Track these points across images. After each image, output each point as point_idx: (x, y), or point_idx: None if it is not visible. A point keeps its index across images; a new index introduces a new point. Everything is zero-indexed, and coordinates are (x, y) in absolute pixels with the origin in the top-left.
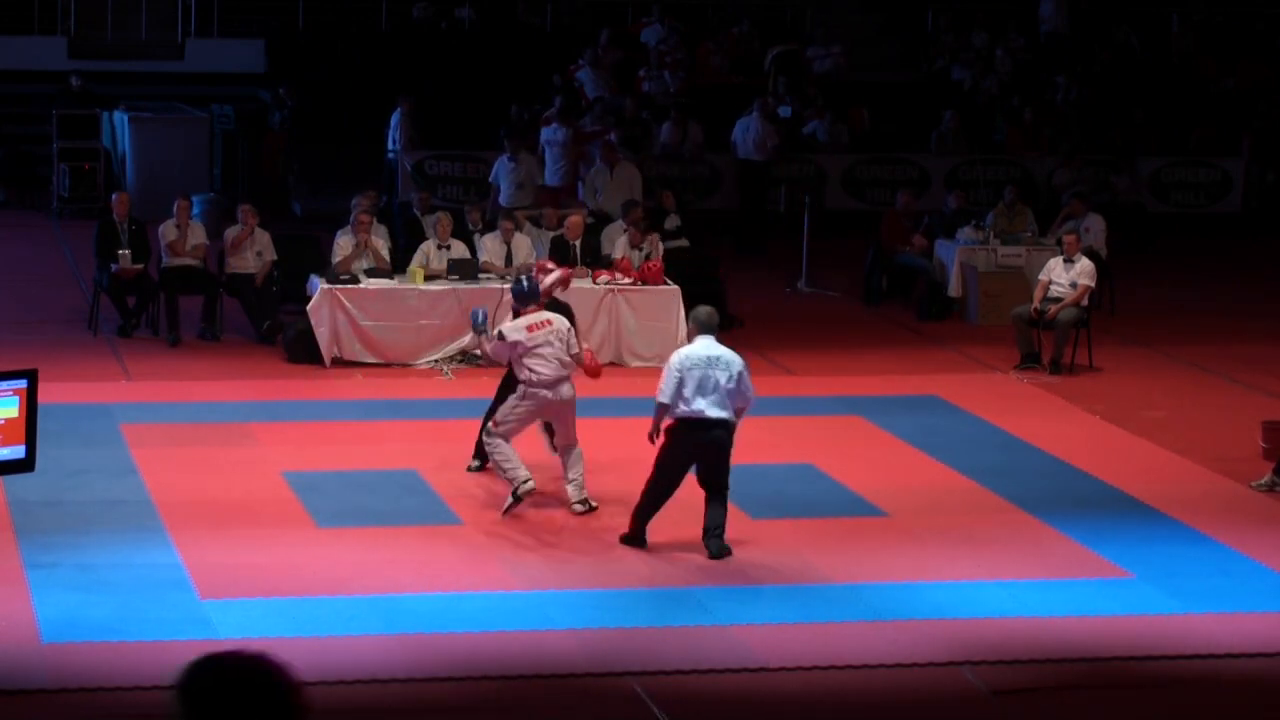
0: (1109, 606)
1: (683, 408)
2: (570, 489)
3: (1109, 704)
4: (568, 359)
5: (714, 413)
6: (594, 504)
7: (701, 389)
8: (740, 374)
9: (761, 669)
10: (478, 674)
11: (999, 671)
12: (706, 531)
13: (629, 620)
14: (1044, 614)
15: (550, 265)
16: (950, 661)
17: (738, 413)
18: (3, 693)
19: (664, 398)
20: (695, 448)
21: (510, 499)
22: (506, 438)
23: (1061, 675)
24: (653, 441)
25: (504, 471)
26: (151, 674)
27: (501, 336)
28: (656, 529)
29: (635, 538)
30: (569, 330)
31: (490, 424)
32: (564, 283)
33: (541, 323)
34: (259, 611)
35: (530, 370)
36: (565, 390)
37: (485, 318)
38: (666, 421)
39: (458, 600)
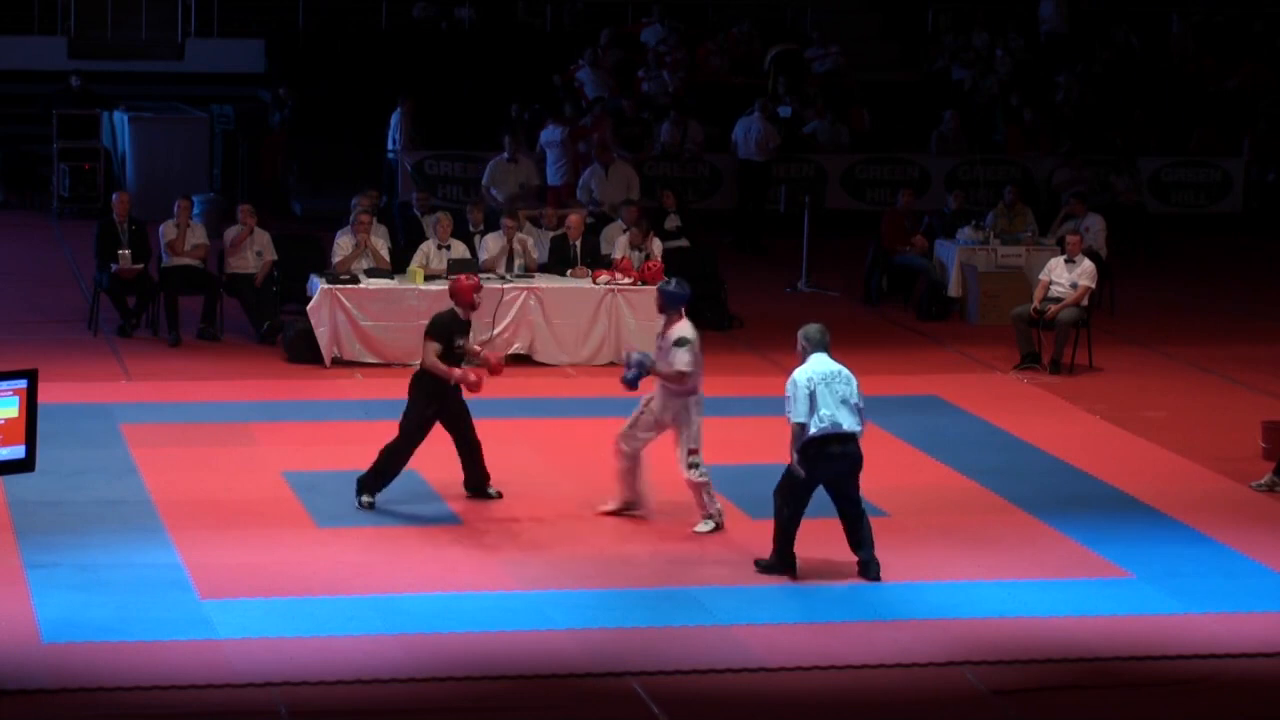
0: (1109, 606)
1: (819, 425)
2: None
3: (1109, 704)
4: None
5: (851, 427)
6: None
7: (841, 403)
8: (856, 383)
9: (761, 669)
10: (478, 674)
11: (999, 671)
12: (864, 552)
13: (629, 620)
14: (1044, 614)
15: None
16: (950, 661)
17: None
18: (3, 693)
19: (800, 417)
20: (840, 463)
21: (711, 525)
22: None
23: (1061, 675)
24: (795, 466)
25: (710, 500)
26: (151, 674)
27: (684, 341)
28: (656, 528)
29: (785, 562)
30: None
31: (692, 456)
32: None
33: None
34: (259, 611)
35: (698, 378)
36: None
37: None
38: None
39: (458, 600)
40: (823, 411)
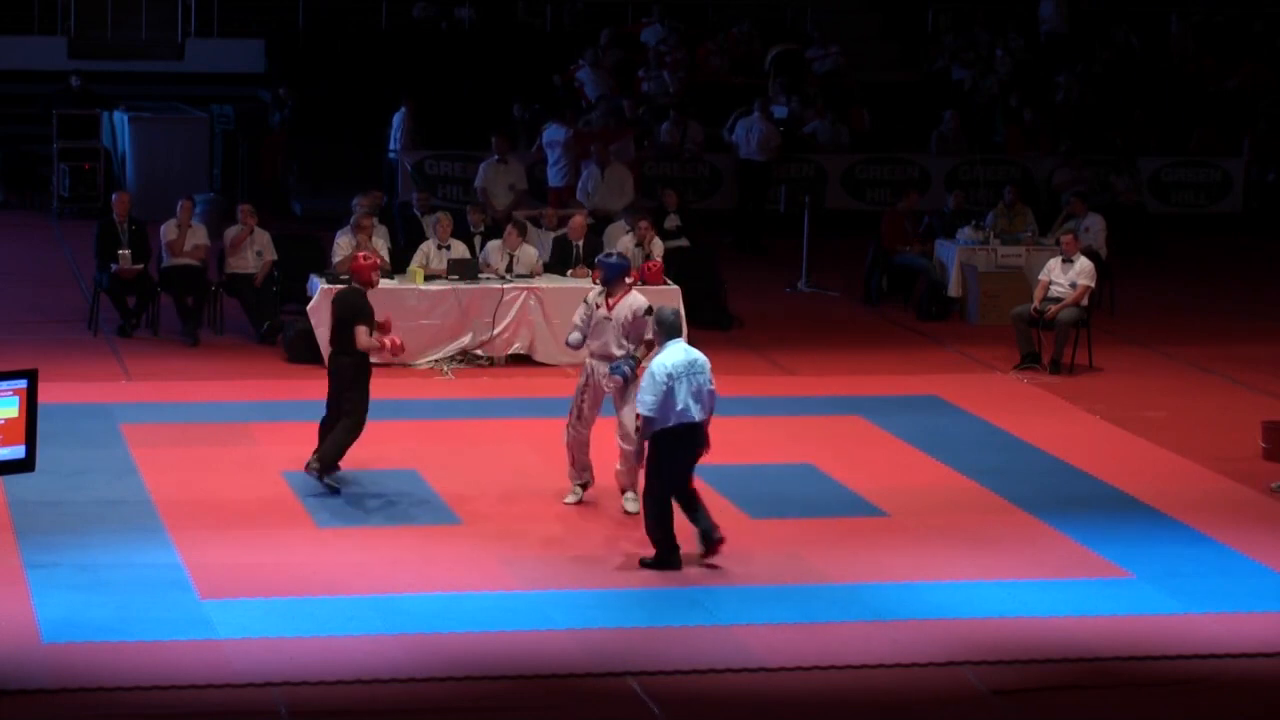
0: (1109, 606)
1: (674, 417)
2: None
3: (1109, 704)
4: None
5: (701, 417)
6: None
7: (693, 395)
8: (709, 374)
9: (761, 669)
10: (478, 674)
11: (999, 671)
12: (708, 535)
13: (629, 620)
14: (1044, 614)
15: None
16: (950, 661)
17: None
18: (3, 693)
19: (649, 410)
20: (689, 453)
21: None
22: None
23: (1061, 675)
24: (641, 449)
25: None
26: (151, 674)
27: (652, 310)
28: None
29: (668, 557)
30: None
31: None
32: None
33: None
34: (259, 611)
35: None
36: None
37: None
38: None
39: (457, 600)
40: (678, 406)
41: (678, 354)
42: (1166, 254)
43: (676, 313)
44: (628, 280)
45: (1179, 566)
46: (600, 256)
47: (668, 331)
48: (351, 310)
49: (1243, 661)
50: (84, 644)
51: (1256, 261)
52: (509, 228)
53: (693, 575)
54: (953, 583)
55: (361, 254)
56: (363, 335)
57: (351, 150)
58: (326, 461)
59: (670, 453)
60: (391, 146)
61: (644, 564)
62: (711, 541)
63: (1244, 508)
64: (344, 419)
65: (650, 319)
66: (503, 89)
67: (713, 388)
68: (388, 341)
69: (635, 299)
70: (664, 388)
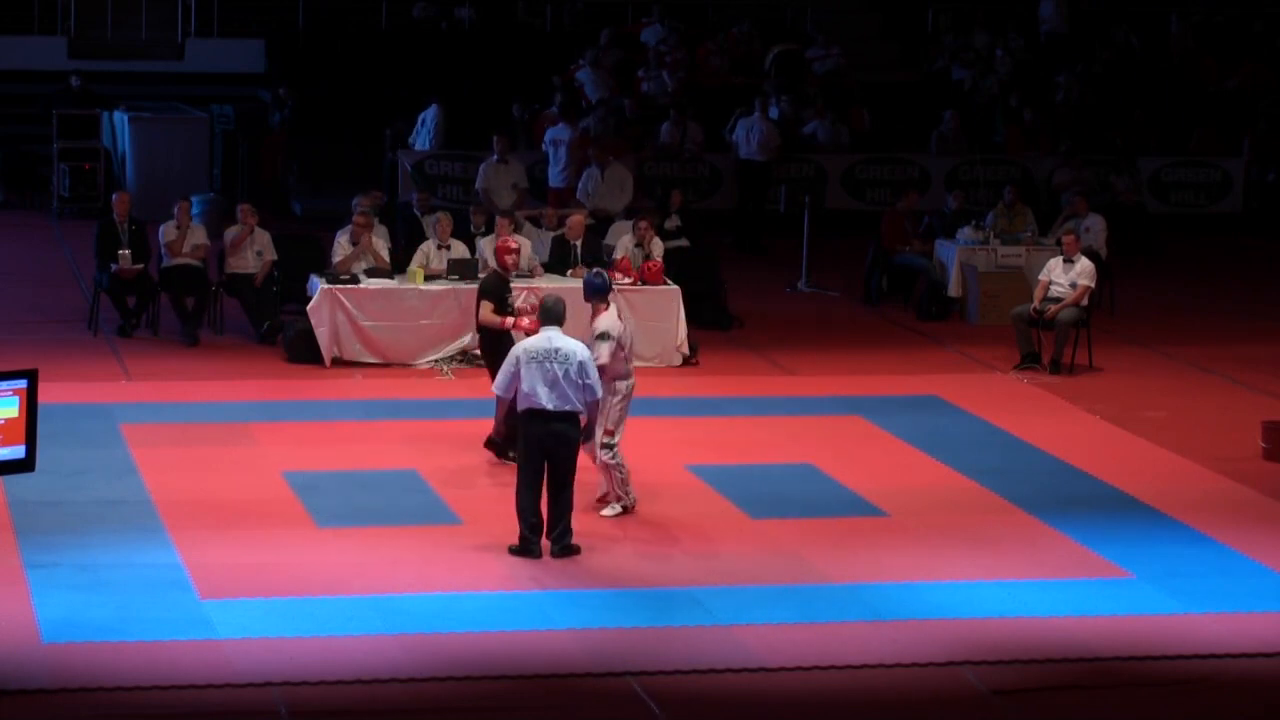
0: (1109, 606)
1: (526, 401)
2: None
3: (1109, 704)
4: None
5: (555, 405)
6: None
7: (545, 382)
8: (583, 364)
9: (761, 669)
10: (478, 674)
11: (999, 671)
12: (549, 530)
13: (629, 620)
14: (1044, 614)
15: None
16: (950, 661)
17: (587, 406)
18: (3, 693)
19: (498, 389)
20: (541, 440)
21: (618, 510)
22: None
23: (1061, 675)
24: (498, 436)
25: (621, 485)
26: (151, 674)
27: (606, 336)
28: (656, 529)
29: (529, 544)
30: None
31: (606, 438)
32: None
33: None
34: (259, 611)
35: (621, 366)
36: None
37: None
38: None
39: (458, 600)
40: (524, 389)
41: (540, 340)
42: (1166, 254)
43: (558, 300)
44: (607, 300)
45: (1179, 566)
46: (589, 274)
47: (543, 317)
48: (481, 289)
49: (1243, 661)
50: (84, 644)
51: (1256, 261)
52: (502, 220)
53: (693, 575)
54: (953, 583)
55: (501, 240)
56: (482, 310)
57: (351, 150)
58: (497, 433)
59: (520, 434)
60: (420, 145)
61: (511, 550)
62: (555, 546)
63: (1244, 508)
64: None
65: (598, 340)
66: (503, 89)
67: (587, 381)
68: (508, 321)
69: (600, 321)
70: (511, 369)
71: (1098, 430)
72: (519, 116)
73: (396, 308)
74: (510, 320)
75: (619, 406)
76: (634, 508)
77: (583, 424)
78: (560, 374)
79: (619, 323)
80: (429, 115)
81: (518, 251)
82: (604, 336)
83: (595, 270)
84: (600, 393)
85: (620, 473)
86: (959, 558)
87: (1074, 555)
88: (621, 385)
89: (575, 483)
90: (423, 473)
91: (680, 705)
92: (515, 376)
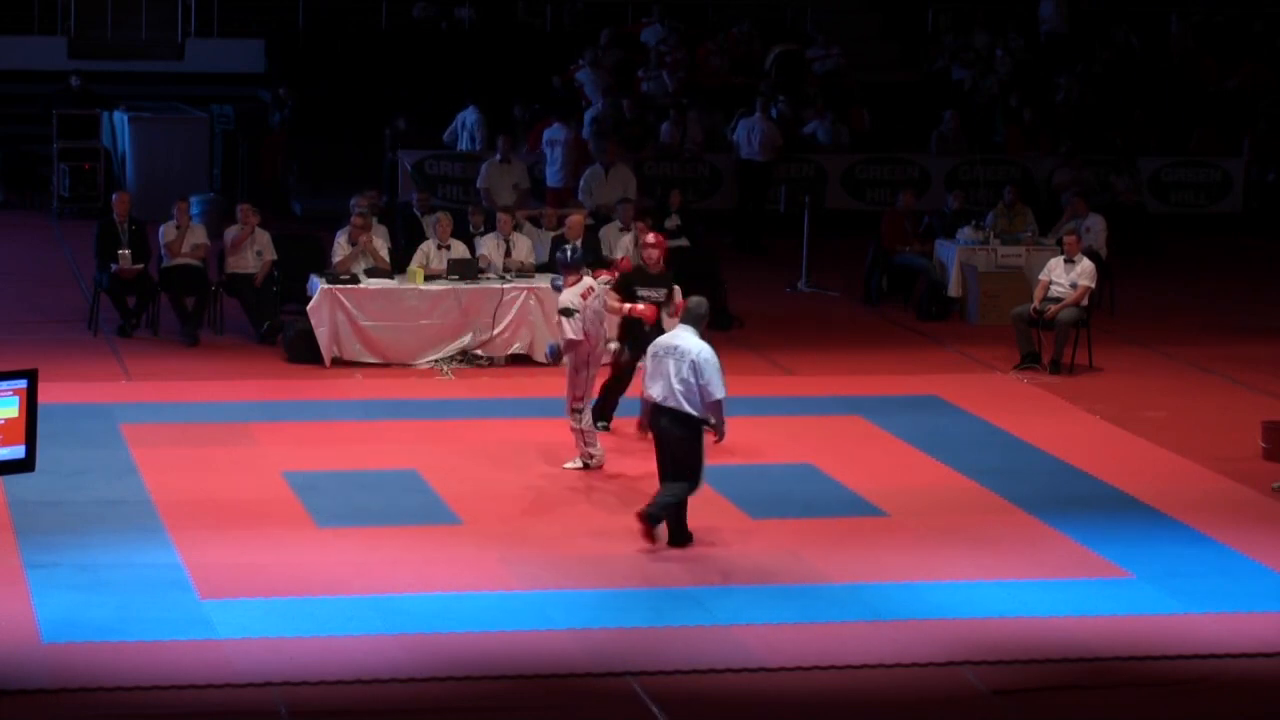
0: (1109, 606)
1: (646, 392)
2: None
3: (1109, 704)
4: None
5: (662, 399)
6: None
7: (659, 376)
8: (695, 364)
9: (761, 669)
10: (478, 674)
11: (999, 671)
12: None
13: (629, 620)
14: (1044, 614)
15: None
16: (950, 661)
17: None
18: (3, 693)
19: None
20: (655, 431)
21: (578, 464)
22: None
23: (1061, 675)
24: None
25: (588, 444)
26: (151, 674)
27: (568, 312)
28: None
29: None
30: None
31: (574, 403)
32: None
33: (587, 290)
34: (258, 611)
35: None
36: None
37: (554, 350)
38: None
39: (457, 600)
40: (645, 380)
41: (668, 336)
42: (1166, 254)
43: (700, 302)
44: (579, 275)
45: (1179, 566)
46: (559, 251)
47: (684, 316)
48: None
49: (1243, 661)
50: (84, 644)
51: (1256, 261)
52: (502, 216)
53: (693, 575)
54: (953, 583)
55: (649, 237)
56: (609, 299)
57: (351, 150)
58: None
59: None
60: (463, 147)
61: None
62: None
63: (1244, 508)
64: None
65: (560, 315)
66: (503, 89)
67: (700, 381)
68: (625, 306)
69: (562, 296)
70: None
71: (1098, 430)
72: (520, 117)
73: (396, 308)
74: (628, 306)
75: (583, 376)
76: (597, 466)
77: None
78: (673, 371)
79: (577, 297)
80: (468, 118)
81: (660, 247)
82: (566, 312)
83: (571, 245)
84: (720, 393)
85: (589, 436)
86: (959, 558)
87: (1074, 555)
88: (586, 358)
89: (690, 477)
90: (423, 473)
91: (680, 705)
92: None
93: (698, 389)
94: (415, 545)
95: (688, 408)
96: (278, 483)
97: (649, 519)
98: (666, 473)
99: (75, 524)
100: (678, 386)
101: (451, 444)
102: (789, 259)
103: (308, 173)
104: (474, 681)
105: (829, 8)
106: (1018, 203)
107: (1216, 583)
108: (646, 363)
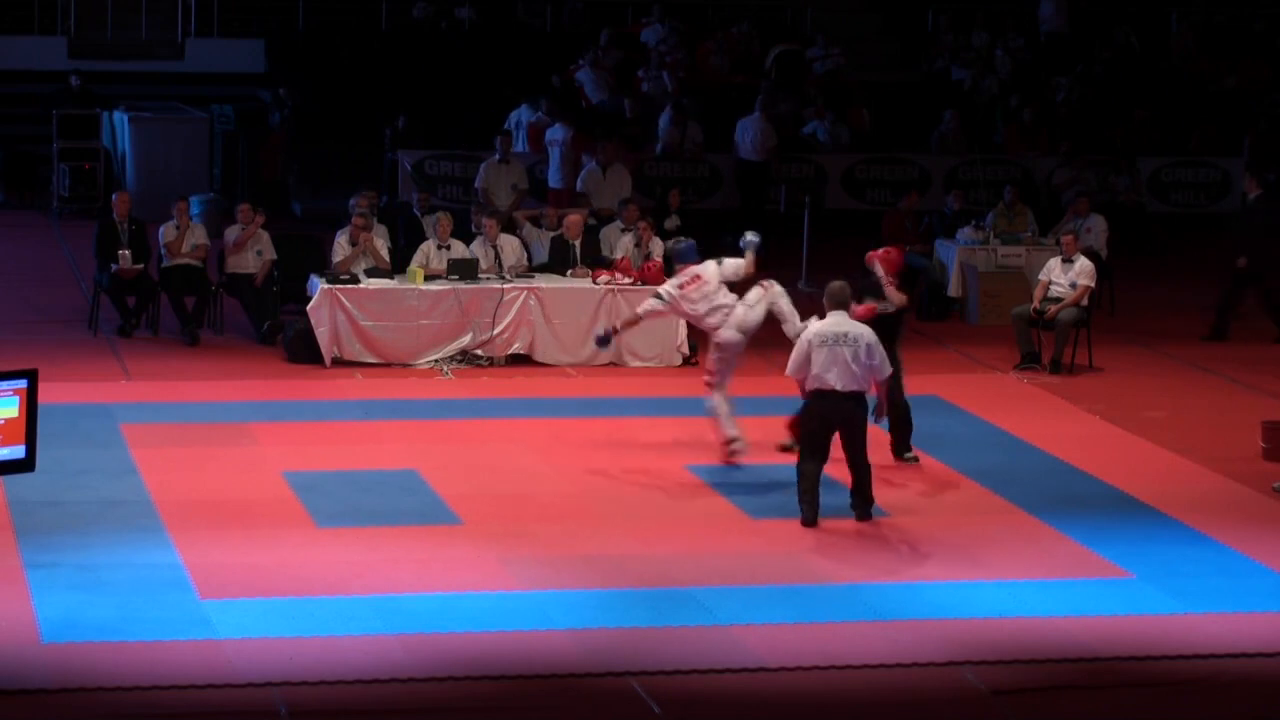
0: (1109, 606)
1: (816, 382)
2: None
3: (1109, 704)
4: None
5: (843, 386)
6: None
7: (834, 364)
8: (869, 346)
9: (761, 669)
10: (478, 674)
11: (999, 671)
12: (855, 497)
13: (629, 620)
14: (1044, 614)
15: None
16: (950, 661)
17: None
18: (3, 693)
19: (787, 369)
20: (827, 417)
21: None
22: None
23: (1061, 675)
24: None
25: (726, 426)
26: (151, 674)
27: (659, 297)
28: (658, 528)
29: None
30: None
31: (707, 377)
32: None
33: (693, 278)
34: (258, 611)
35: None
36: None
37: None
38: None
39: (457, 600)
40: (813, 370)
41: (828, 324)
42: (1166, 254)
43: (843, 286)
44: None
45: (1179, 566)
46: (671, 243)
47: (829, 301)
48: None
49: (1243, 661)
50: (84, 644)
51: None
52: (488, 221)
53: (693, 575)
54: (953, 583)
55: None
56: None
57: (351, 150)
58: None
59: (805, 412)
60: (518, 146)
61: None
62: (857, 509)
63: (1244, 508)
64: None
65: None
66: (503, 89)
67: (873, 363)
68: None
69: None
70: (803, 352)
71: (1098, 430)
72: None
73: (396, 308)
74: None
75: (714, 355)
76: (741, 449)
77: (877, 397)
78: (849, 356)
79: (677, 289)
80: (521, 115)
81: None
82: (657, 296)
83: (681, 240)
84: (887, 371)
85: (725, 414)
86: (959, 558)
87: (1074, 555)
88: (719, 340)
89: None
90: (423, 473)
91: (680, 705)
92: (807, 360)
93: (868, 370)
94: (415, 545)
95: (865, 390)
96: (278, 483)
97: (867, 511)
98: (851, 456)
99: (75, 524)
100: (857, 370)
101: (451, 444)
102: (789, 259)
103: (308, 173)
104: (474, 681)
105: (829, 8)
106: (1018, 203)
107: (1216, 582)
108: (795, 354)
